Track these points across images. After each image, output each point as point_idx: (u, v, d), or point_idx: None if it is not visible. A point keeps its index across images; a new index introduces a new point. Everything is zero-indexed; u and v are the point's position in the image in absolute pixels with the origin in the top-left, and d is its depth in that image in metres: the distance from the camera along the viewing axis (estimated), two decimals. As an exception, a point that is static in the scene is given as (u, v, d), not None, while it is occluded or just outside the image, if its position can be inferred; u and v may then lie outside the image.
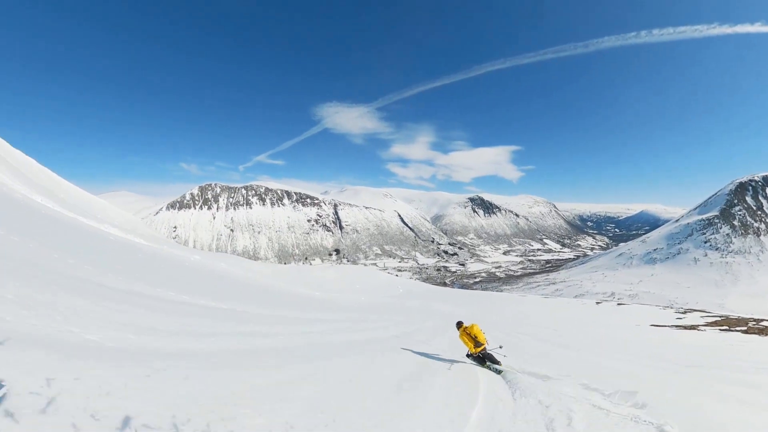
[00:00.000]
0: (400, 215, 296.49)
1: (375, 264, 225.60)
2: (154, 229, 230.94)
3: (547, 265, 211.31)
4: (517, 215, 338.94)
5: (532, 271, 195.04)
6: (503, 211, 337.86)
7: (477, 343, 7.14)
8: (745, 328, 18.16)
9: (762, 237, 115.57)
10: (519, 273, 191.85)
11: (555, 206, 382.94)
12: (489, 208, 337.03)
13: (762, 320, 21.66)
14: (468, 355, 7.54)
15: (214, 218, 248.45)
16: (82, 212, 16.97)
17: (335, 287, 33.74)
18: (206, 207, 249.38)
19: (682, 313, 28.65)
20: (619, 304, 40.85)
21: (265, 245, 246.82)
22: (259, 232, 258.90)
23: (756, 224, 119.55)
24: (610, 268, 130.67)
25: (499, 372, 6.84)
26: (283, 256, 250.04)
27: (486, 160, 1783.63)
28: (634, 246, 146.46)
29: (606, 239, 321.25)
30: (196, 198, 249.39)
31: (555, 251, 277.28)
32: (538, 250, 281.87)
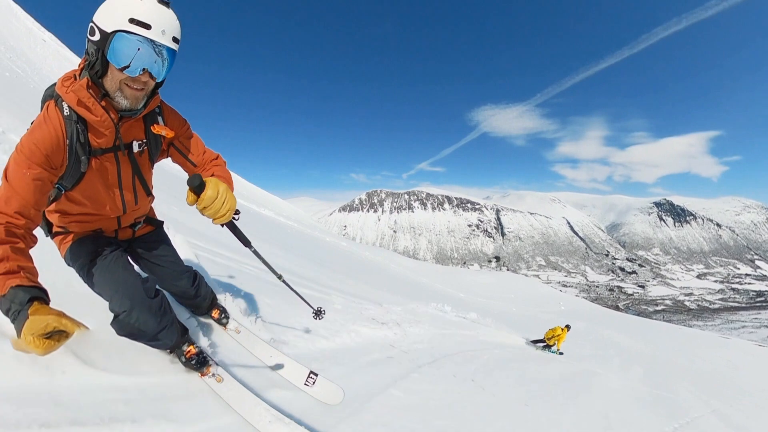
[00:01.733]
0: (569, 222, 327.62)
1: (537, 276, 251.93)
2: (328, 228, 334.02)
3: (759, 299, 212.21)
4: (718, 225, 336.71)
5: (736, 304, 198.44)
6: (699, 220, 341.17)
7: (549, 338, 11.72)
8: None
9: None
10: (717, 305, 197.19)
11: None
12: (680, 215, 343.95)
13: None
14: (540, 343, 11.67)
15: (379, 220, 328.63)
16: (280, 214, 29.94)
17: (486, 293, 37.61)
18: (372, 210, 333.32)
19: None
20: None
21: (424, 247, 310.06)
22: (419, 235, 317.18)
23: None
24: None
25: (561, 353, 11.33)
26: (442, 259, 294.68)
27: (675, 153, 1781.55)
28: None
29: None
30: (364, 202, 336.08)
31: None
32: (747, 275, 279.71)
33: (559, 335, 11.77)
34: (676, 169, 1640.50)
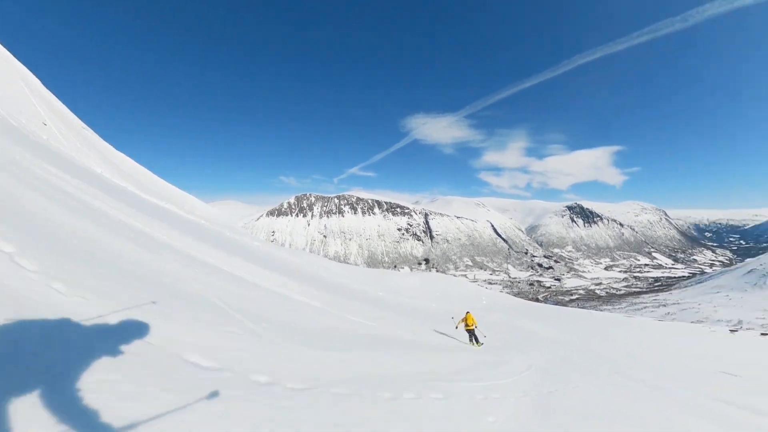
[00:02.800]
0: (492, 225, 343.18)
1: (465, 275, 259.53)
2: (254, 233, 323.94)
3: (656, 284, 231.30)
4: (621, 225, 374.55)
5: (638, 289, 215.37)
6: (605, 220, 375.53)
7: (467, 325, 14.88)
8: None
9: None
10: (622, 292, 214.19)
11: (666, 213, 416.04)
12: (589, 216, 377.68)
13: None
14: (467, 330, 15.10)
15: (308, 225, 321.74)
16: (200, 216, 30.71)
17: (411, 293, 39.35)
18: (302, 215, 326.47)
19: None
20: (763, 333, 40.64)
21: (355, 252, 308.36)
22: (350, 239, 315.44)
23: None
24: (737, 289, 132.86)
25: (479, 346, 14.40)
26: (372, 263, 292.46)
27: (585, 164, 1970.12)
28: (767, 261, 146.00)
29: (729, 253, 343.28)
30: (293, 206, 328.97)
31: (665, 267, 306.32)
32: (646, 265, 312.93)
33: (471, 320, 15.15)
34: (586, 177, 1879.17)
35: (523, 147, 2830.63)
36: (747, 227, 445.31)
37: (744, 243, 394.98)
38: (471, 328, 15.09)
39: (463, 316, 15.66)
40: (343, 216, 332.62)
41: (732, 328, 49.73)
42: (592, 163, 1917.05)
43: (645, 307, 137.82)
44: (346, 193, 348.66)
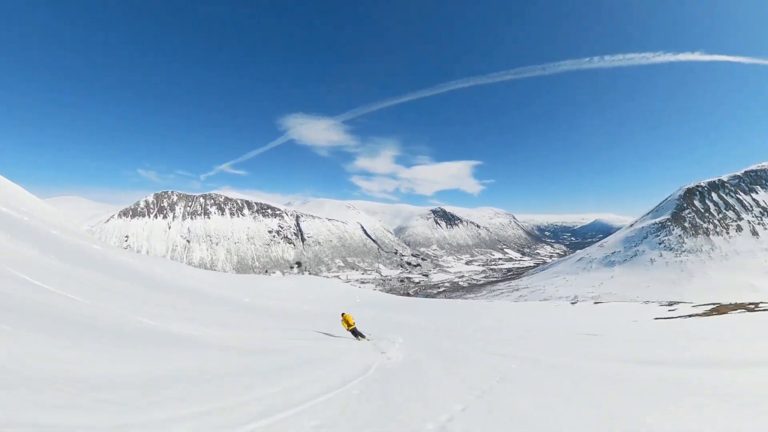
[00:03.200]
0: (363, 227, 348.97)
1: (338, 276, 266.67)
2: (104, 237, 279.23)
3: (509, 273, 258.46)
4: (478, 226, 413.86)
5: (495, 279, 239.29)
6: (465, 223, 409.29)
7: (349, 325, 15.21)
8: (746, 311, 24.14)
9: (711, 236, 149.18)
10: (482, 282, 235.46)
11: (514, 217, 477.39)
12: (451, 219, 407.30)
13: (753, 303, 27.95)
14: (349, 330, 15.52)
15: (169, 228, 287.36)
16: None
17: (284, 297, 40.12)
18: (161, 216, 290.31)
19: (669, 305, 36.14)
20: (596, 302, 48.52)
21: (223, 257, 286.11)
22: (217, 244, 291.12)
23: (705, 225, 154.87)
24: (571, 273, 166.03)
25: (367, 339, 15.12)
26: (242, 269, 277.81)
27: (448, 174, 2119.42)
28: (592, 251, 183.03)
29: (563, 247, 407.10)
30: (151, 206, 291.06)
31: (515, 260, 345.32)
32: (500, 259, 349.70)
33: (347, 318, 15.90)
34: (449, 186, 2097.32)
35: (393, 155, 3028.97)
36: (576, 227, 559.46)
37: (574, 239, 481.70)
38: (352, 327, 15.82)
39: (344, 317, 16.26)
40: (210, 217, 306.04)
41: (572, 301, 58.44)
42: (454, 174, 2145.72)
43: (502, 293, 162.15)
44: (213, 192, 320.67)
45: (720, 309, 28.31)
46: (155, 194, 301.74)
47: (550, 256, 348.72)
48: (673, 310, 31.46)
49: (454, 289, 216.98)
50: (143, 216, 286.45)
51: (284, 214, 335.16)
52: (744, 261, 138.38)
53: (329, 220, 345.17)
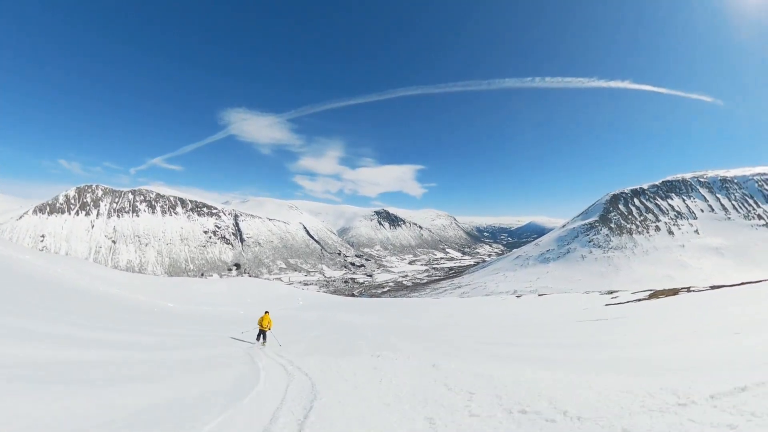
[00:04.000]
0: (305, 227, 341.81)
1: (279, 278, 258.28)
2: (15, 237, 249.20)
3: (451, 272, 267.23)
4: (420, 227, 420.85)
5: (438, 277, 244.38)
6: (408, 224, 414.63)
7: (261, 325, 15.16)
8: (683, 293, 29.21)
9: (634, 235, 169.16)
10: (425, 280, 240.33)
11: (455, 219, 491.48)
12: (394, 220, 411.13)
13: (682, 288, 33.14)
14: (260, 329, 15.30)
15: (92, 226, 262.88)
16: None
17: (222, 301, 39.68)
18: (84, 213, 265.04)
19: (609, 293, 38.99)
20: (540, 295, 49.55)
21: (153, 259, 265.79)
22: (146, 245, 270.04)
23: (628, 226, 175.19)
24: (510, 270, 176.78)
25: (264, 340, 14.93)
26: (175, 272, 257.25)
27: (392, 177, 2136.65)
28: (528, 249, 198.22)
29: (501, 247, 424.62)
30: (72, 201, 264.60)
31: (456, 259, 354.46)
32: (441, 258, 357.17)
33: (263, 318, 15.32)
34: (392, 188, 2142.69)
35: (338, 156, 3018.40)
36: (513, 228, 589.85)
37: (511, 239, 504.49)
38: (264, 328, 15.20)
39: (262, 318, 15.63)
40: (139, 216, 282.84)
41: (517, 295, 59.52)
42: (398, 176, 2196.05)
43: (445, 290, 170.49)
44: (143, 188, 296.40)
45: (656, 294, 32.26)
46: (77, 188, 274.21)
47: (489, 255, 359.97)
48: (615, 298, 33.88)
49: (399, 289, 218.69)
50: (62, 213, 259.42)
51: (222, 213, 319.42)
52: (662, 256, 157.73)
53: (270, 220, 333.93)
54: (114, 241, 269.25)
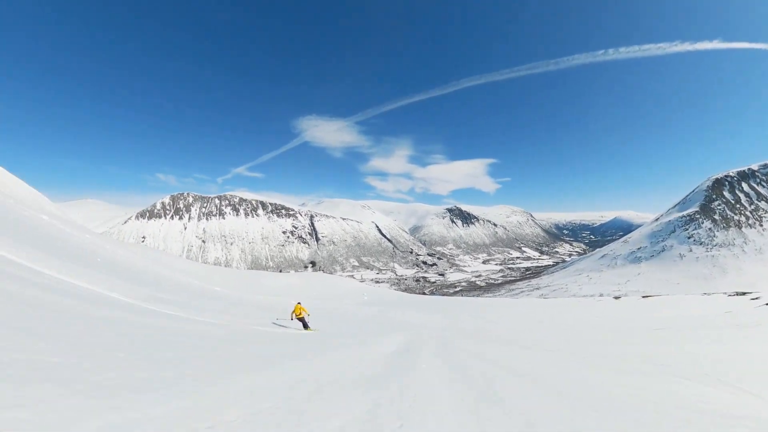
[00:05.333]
0: (377, 226, 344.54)
1: (352, 276, 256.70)
2: (121, 239, 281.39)
3: (528, 272, 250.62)
4: (495, 225, 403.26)
5: (513, 278, 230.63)
6: (481, 221, 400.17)
7: (300, 314, 15.69)
8: None
9: (744, 229, 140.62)
10: (500, 281, 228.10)
11: (532, 215, 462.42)
12: (467, 218, 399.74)
13: None
14: (297, 319, 15.89)
15: (185, 228, 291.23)
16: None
17: (287, 294, 39.55)
18: (177, 217, 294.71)
19: (740, 294, 33.34)
20: (644, 296, 43.63)
21: (237, 257, 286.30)
22: (231, 244, 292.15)
23: (736, 217, 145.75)
24: (595, 270, 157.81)
25: (309, 329, 15.48)
26: (257, 268, 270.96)
27: (463, 173, 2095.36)
28: (616, 247, 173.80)
29: (582, 245, 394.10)
30: (168, 207, 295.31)
31: (534, 258, 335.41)
32: (517, 258, 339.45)
33: (298, 309, 16.00)
34: (464, 185, 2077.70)
35: (407, 155, 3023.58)
36: (595, 225, 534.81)
37: (594, 237, 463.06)
38: (301, 316, 16.03)
39: (297, 308, 16.45)
40: (224, 218, 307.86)
41: (616, 296, 53.09)
42: (469, 172, 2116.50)
43: (522, 292, 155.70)
44: (228, 193, 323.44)
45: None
46: (171, 196, 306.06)
47: (569, 255, 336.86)
48: (756, 299, 26.96)
49: (472, 289, 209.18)
50: (160, 217, 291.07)
51: (298, 214, 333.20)
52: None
53: (344, 219, 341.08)
54: (203, 241, 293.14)
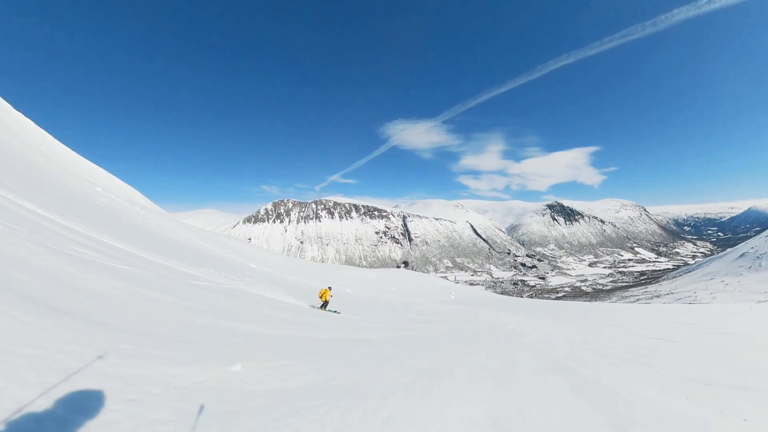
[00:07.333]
0: (472, 226, 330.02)
1: (446, 277, 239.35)
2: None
3: (642, 277, 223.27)
4: (602, 221, 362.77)
5: (625, 284, 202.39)
6: (586, 218, 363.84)
7: (324, 297, 16.27)
8: None
9: None
10: (609, 286, 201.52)
11: (645, 210, 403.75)
12: (570, 215, 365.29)
13: None
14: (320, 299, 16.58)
15: (285, 231, 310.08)
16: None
17: (370, 287, 38.98)
18: (278, 221, 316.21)
19: None
20: None
21: (332, 256, 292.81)
22: (327, 244, 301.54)
23: None
24: (731, 274, 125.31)
25: (337, 312, 16.01)
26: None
27: (562, 164, 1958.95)
28: (759, 243, 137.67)
29: (709, 245, 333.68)
30: (270, 213, 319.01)
31: (649, 261, 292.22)
32: (629, 260, 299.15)
33: (323, 293, 16.83)
34: (564, 178, 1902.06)
35: (500, 150, 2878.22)
36: (724, 219, 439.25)
37: (722, 234, 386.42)
38: (325, 299, 16.68)
39: (325, 291, 17.15)
40: (320, 221, 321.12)
41: (760, 299, 44.61)
42: (569, 163, 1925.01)
43: (637, 299, 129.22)
44: (323, 198, 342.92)
45: None
46: (273, 203, 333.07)
47: (693, 256, 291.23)
48: None
49: (576, 294, 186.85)
50: (263, 222, 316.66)
51: (391, 215, 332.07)
52: None
53: (437, 219, 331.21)
54: (301, 242, 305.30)
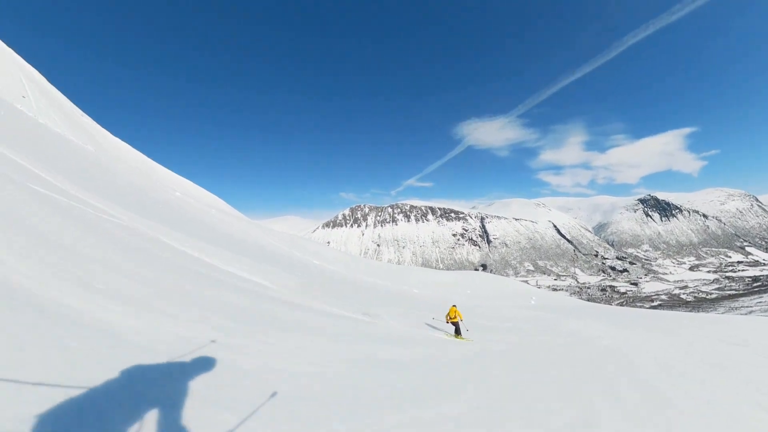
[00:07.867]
0: (555, 226, 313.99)
1: (526, 281, 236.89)
2: None
3: (756, 284, 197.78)
4: (704, 216, 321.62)
5: (734, 292, 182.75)
6: (685, 213, 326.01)
7: (450, 318, 13.91)
8: None
9: None
10: (715, 295, 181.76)
11: (757, 199, 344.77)
12: (666, 209, 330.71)
13: None
14: (450, 322, 14.19)
15: (362, 235, 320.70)
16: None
17: (443, 290, 37.33)
18: (356, 225, 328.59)
19: None
20: None
21: (409, 259, 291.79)
22: (403, 247, 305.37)
23: None
24: None
25: (460, 336, 13.25)
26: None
27: (653, 152, 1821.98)
28: None
29: None
30: (347, 218, 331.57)
31: (764, 264, 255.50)
32: (739, 263, 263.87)
33: (454, 313, 14.15)
34: (657, 168, 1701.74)
35: (582, 141, 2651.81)
36: None
37: None
38: (455, 321, 14.44)
39: (452, 310, 14.95)
40: (397, 224, 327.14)
41: None
42: (661, 150, 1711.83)
43: (751, 311, 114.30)
44: (399, 202, 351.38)
45: None
46: (350, 208, 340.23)
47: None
48: None
49: (674, 304, 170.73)
50: (341, 226, 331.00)
51: (468, 217, 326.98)
52: None
53: (516, 220, 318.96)
54: (378, 245, 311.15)
